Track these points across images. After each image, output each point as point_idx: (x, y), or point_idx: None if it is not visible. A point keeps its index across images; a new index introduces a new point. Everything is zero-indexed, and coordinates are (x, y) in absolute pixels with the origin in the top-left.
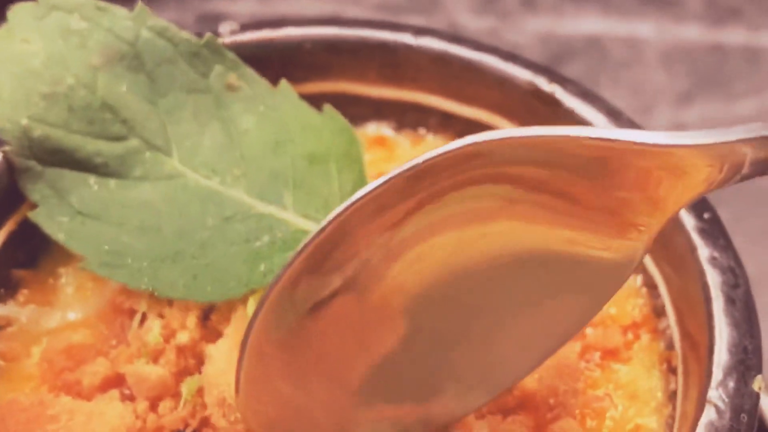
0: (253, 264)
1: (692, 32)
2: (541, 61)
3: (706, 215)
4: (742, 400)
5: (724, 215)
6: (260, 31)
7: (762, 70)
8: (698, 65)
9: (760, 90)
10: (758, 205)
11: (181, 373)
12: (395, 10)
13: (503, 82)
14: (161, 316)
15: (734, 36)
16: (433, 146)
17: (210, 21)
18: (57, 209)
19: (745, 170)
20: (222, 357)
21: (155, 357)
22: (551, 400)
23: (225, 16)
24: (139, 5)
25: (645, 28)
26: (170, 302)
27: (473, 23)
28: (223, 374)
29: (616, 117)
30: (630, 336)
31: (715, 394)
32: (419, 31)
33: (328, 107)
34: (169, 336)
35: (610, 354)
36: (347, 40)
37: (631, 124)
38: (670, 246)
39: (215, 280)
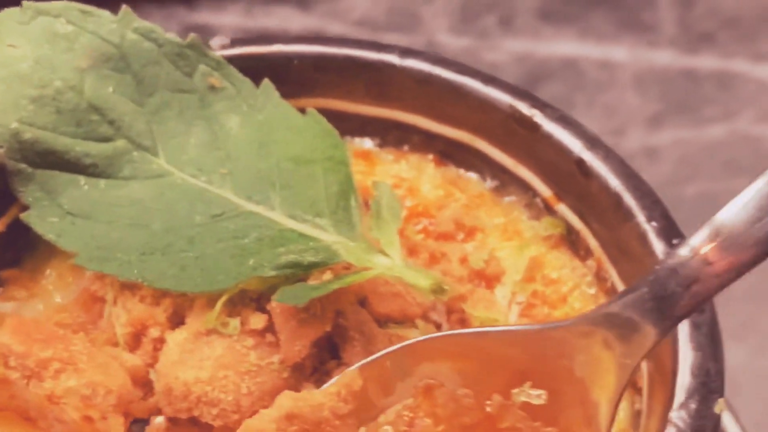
0: (242, 259)
1: (665, 57)
2: (519, 81)
3: (674, 241)
4: (704, 422)
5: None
6: (250, 47)
7: (732, 96)
8: (670, 89)
9: (730, 115)
10: None
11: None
12: (376, 27)
13: (484, 104)
14: (127, 309)
15: (706, 61)
16: (415, 164)
17: (195, 32)
18: (48, 210)
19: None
20: (177, 347)
21: (131, 347)
22: None
23: (210, 28)
24: (124, 8)
25: (620, 52)
26: (136, 294)
27: (452, 42)
28: (173, 365)
29: (593, 143)
30: None
31: (677, 415)
32: (405, 52)
33: (311, 110)
34: (137, 328)
35: None
36: (334, 59)
37: (606, 150)
38: (638, 270)
39: (204, 272)
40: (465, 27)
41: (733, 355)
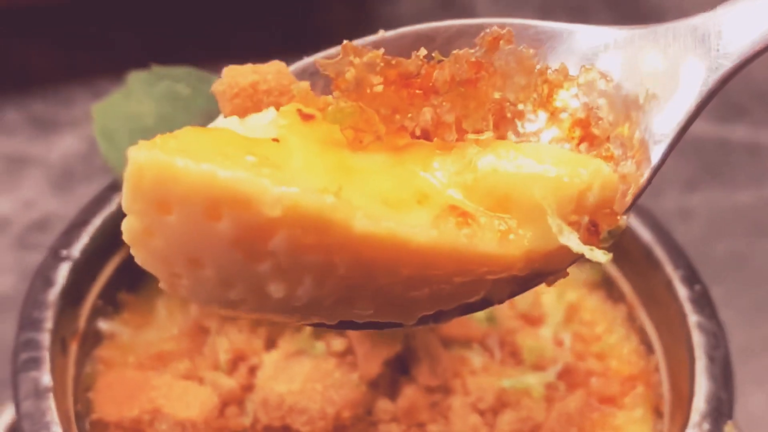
0: None
1: (701, 126)
2: None
3: (696, 287)
4: None
5: (719, 291)
6: None
7: (762, 164)
8: (704, 156)
9: (759, 181)
10: (751, 284)
11: (250, 387)
12: None
13: None
14: (229, 338)
15: (738, 131)
16: None
17: None
18: None
19: None
20: (272, 365)
21: (230, 371)
22: None
23: None
24: None
25: None
26: (236, 325)
27: None
28: (269, 380)
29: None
30: (627, 386)
31: None
32: None
33: None
34: (237, 354)
35: (609, 400)
36: None
37: (639, 208)
38: (664, 312)
39: None
40: None
41: (757, 400)
